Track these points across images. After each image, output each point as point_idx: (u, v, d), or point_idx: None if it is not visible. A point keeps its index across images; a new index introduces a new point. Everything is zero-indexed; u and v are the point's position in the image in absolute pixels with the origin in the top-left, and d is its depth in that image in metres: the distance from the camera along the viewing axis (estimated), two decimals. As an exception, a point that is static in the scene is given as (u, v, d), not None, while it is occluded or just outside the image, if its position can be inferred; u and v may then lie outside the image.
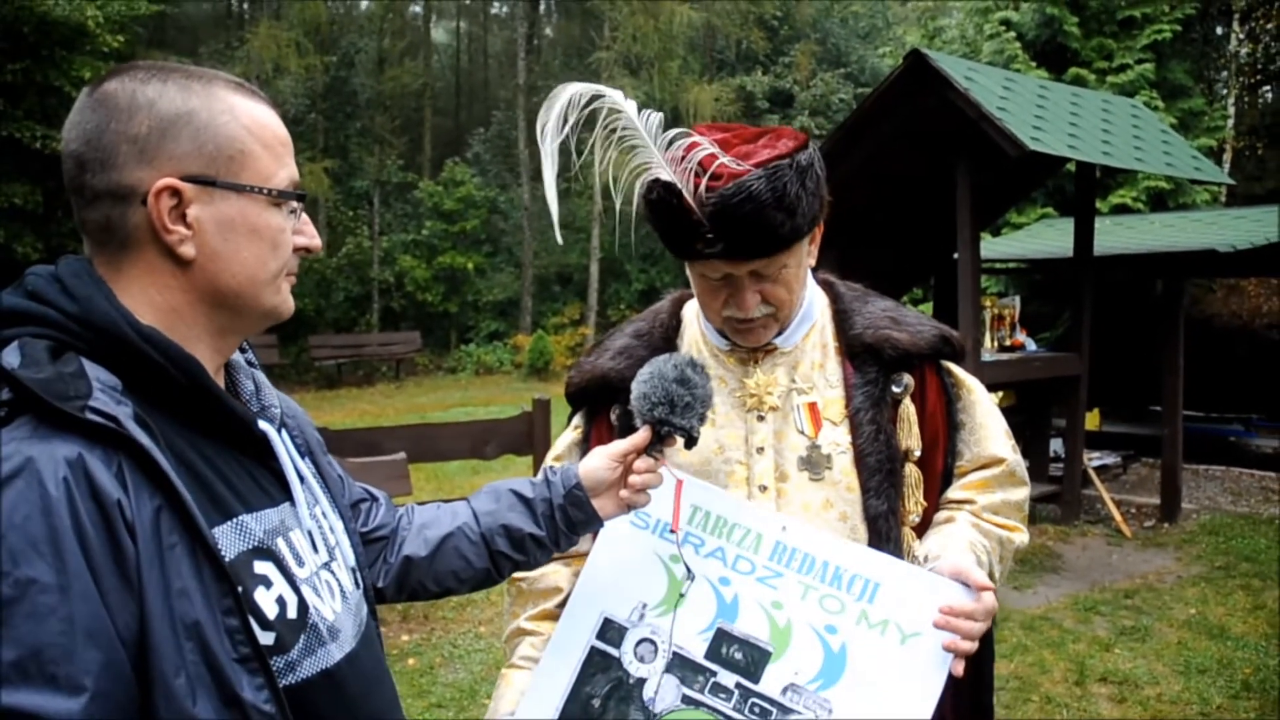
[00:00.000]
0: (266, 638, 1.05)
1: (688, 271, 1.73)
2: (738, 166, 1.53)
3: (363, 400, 17.72)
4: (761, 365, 1.77)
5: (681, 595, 1.61)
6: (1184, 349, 8.14)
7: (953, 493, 1.79)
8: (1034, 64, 12.67)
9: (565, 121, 1.48)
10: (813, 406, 1.75)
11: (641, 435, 1.52)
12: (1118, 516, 7.80)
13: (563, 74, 25.49)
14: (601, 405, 1.84)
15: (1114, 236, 9.56)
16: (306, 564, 1.16)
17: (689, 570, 1.61)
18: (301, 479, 1.21)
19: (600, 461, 1.52)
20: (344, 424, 12.34)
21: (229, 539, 1.06)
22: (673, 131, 1.57)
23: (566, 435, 1.91)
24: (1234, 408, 10.49)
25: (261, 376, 1.25)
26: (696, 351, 1.81)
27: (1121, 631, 5.63)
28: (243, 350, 1.25)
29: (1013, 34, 13.00)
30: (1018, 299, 8.23)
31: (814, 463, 1.71)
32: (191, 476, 1.04)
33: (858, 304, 1.83)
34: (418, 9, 28.69)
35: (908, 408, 1.75)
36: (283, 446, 1.18)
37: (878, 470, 1.70)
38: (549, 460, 1.89)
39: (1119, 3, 12.98)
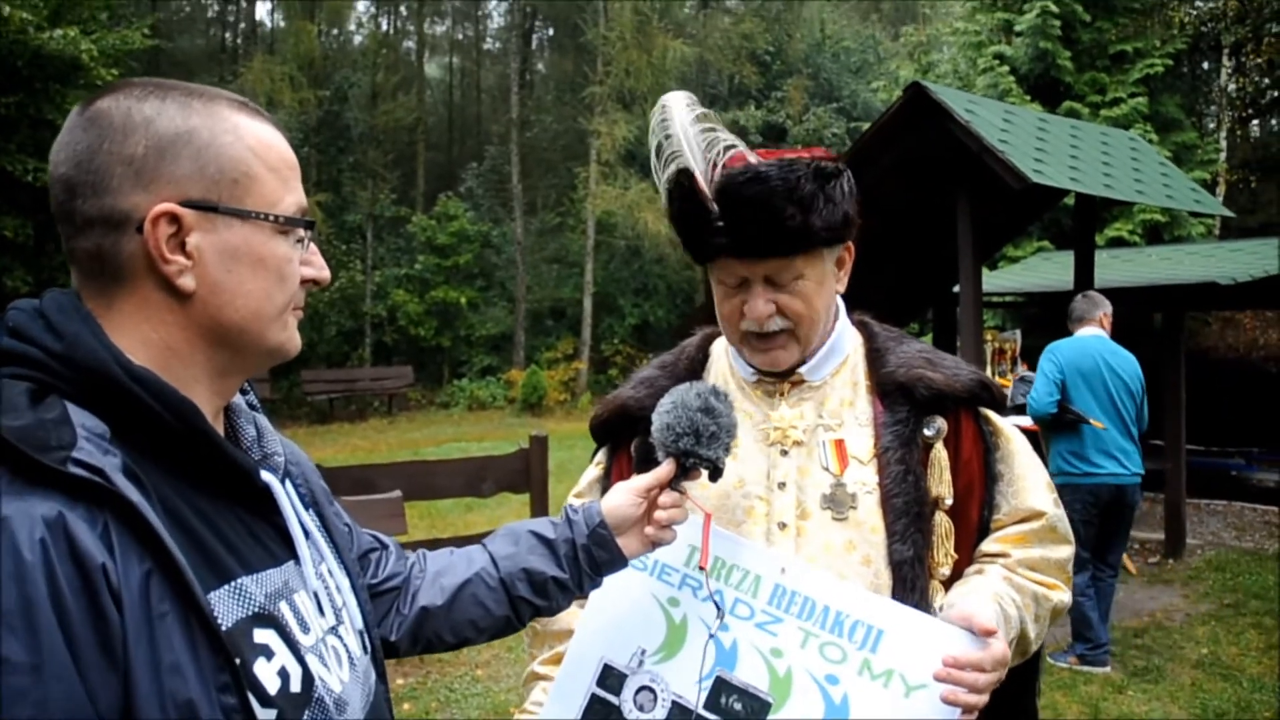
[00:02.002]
0: (267, 715, 0.94)
1: (712, 286, 1.68)
2: (756, 160, 1.53)
3: (355, 435, 17.56)
4: (788, 399, 1.71)
5: (711, 635, 1.52)
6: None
7: (987, 545, 1.70)
8: (1028, 98, 12.73)
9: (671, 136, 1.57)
10: (839, 444, 1.67)
11: (665, 468, 1.44)
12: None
13: (555, 108, 25.60)
14: (623, 438, 1.79)
15: (1111, 269, 9.52)
16: (312, 629, 1.05)
17: (719, 609, 1.52)
18: (307, 534, 1.10)
19: (623, 498, 1.43)
20: (336, 459, 12.18)
21: (226, 605, 0.95)
22: (704, 125, 1.56)
23: (589, 472, 1.85)
24: (1233, 441, 10.41)
25: (264, 421, 1.15)
26: (723, 384, 1.74)
27: (1133, 672, 5.50)
28: (243, 392, 1.15)
29: (1006, 68, 13.08)
30: (1018, 332, 8.18)
31: (838, 501, 1.63)
32: (185, 535, 0.93)
33: (893, 344, 1.76)
34: (411, 44, 28.85)
35: (939, 453, 1.66)
36: (286, 499, 1.07)
37: (904, 513, 1.62)
38: (570, 498, 1.83)
39: (1110, 37, 13.08)
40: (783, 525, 1.63)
